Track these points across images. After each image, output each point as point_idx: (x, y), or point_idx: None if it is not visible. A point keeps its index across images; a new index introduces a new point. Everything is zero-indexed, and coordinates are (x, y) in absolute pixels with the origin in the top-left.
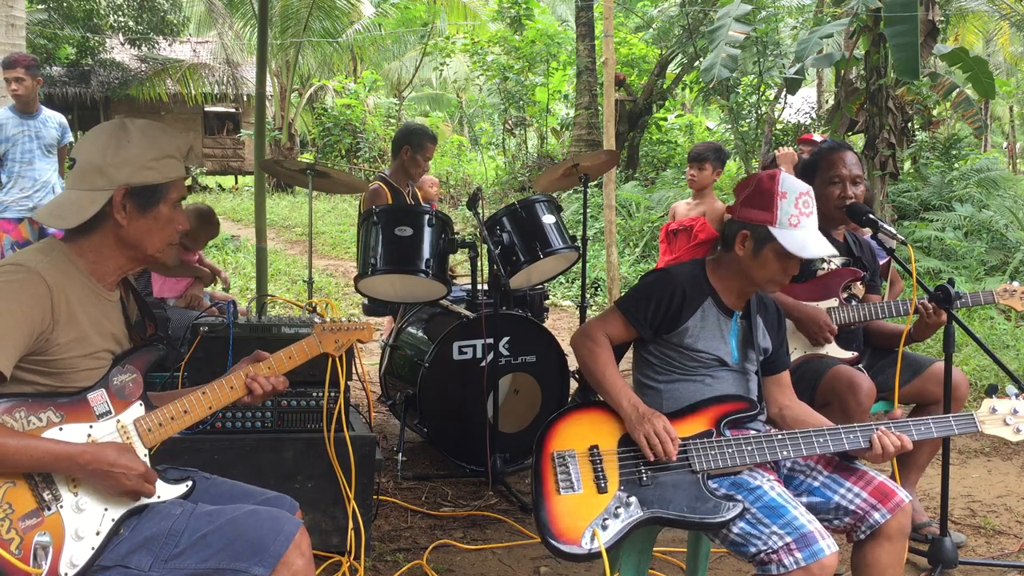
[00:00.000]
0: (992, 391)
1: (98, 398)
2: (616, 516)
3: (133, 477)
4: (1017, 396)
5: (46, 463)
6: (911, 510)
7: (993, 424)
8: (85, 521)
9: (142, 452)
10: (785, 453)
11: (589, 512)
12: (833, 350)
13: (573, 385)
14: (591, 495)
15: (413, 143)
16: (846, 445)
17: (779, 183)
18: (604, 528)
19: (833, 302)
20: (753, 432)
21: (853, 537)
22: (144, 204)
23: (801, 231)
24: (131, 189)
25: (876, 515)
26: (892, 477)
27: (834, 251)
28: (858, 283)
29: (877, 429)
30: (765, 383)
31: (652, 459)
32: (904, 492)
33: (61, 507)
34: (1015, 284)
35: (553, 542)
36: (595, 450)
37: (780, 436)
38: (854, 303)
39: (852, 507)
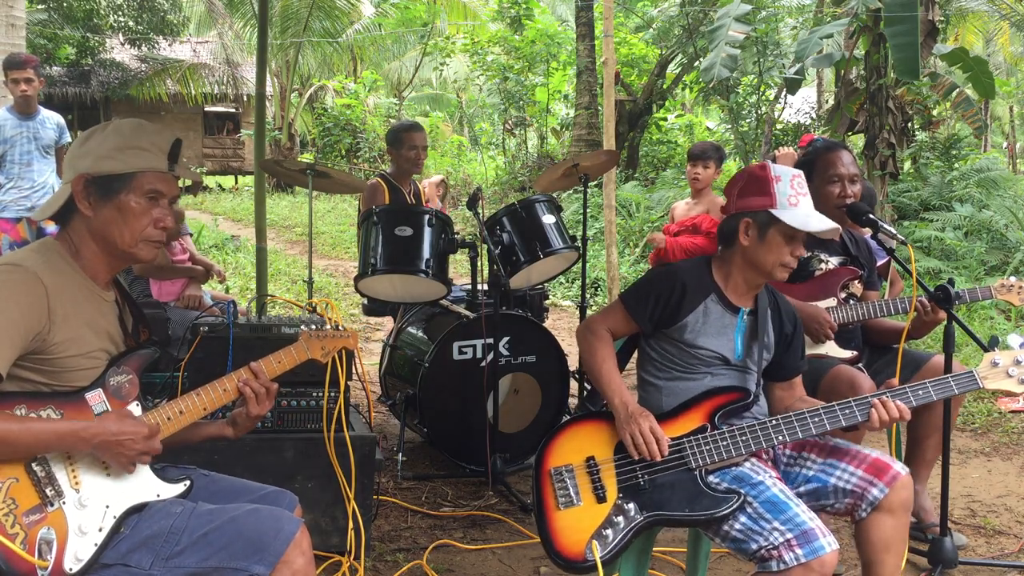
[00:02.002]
0: (994, 343)
1: (96, 397)
2: (616, 525)
3: (140, 440)
4: (1022, 346)
5: (51, 442)
6: (910, 483)
7: (995, 378)
8: (87, 517)
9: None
10: (781, 437)
11: (590, 524)
12: (832, 349)
13: (573, 385)
14: (591, 506)
15: (389, 142)
16: (842, 421)
17: (771, 170)
18: (604, 538)
19: (831, 302)
20: (748, 422)
21: (856, 517)
22: (105, 193)
23: (801, 209)
24: (90, 179)
25: (874, 491)
26: None
27: (834, 225)
28: (856, 282)
29: (874, 399)
30: (774, 388)
31: (637, 458)
32: (900, 465)
33: (64, 503)
34: (1012, 279)
35: (558, 558)
36: (592, 461)
37: (775, 421)
38: (852, 302)
39: (850, 487)
